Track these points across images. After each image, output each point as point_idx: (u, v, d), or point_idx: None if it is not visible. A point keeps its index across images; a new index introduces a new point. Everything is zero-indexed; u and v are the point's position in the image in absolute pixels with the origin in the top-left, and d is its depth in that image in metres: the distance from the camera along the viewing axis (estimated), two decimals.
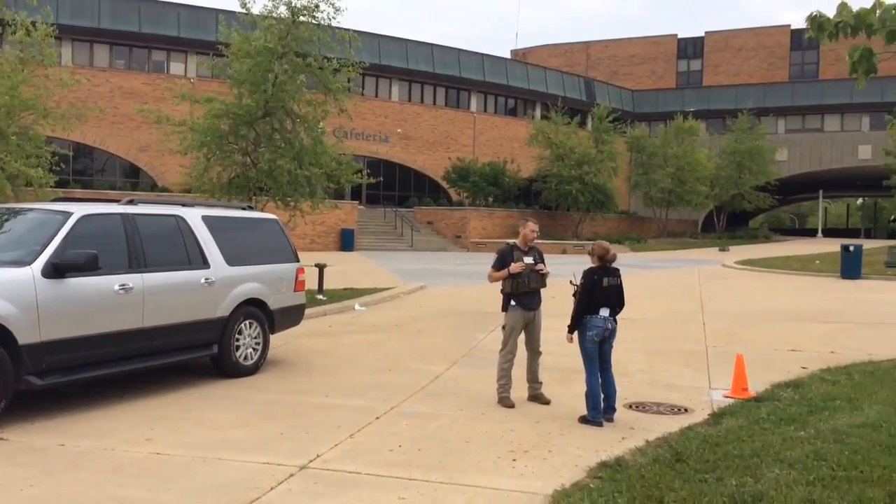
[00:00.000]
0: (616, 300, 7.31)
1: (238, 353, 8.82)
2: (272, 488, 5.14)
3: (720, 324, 13.68)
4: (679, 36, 70.75)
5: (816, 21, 4.12)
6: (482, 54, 52.31)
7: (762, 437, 6.21)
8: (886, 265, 24.80)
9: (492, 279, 7.95)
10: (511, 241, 8.22)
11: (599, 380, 7.22)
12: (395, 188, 45.79)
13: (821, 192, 63.95)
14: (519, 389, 8.01)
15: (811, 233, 72.66)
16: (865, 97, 60.23)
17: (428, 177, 47.44)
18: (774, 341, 11.95)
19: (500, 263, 7.81)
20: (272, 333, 9.52)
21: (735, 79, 66.67)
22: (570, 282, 7.73)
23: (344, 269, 23.50)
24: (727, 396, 8.27)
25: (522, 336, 7.99)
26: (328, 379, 8.89)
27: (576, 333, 7.38)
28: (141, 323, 7.60)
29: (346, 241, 35.56)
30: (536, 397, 7.86)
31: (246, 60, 15.55)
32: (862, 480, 4.85)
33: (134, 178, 37.52)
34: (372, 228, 39.51)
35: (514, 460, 5.92)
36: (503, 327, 8.00)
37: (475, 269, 26.70)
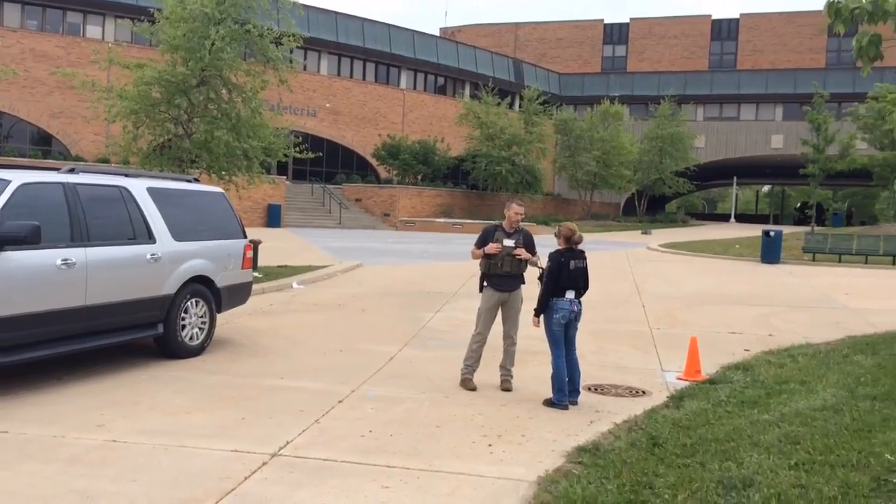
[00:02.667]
0: (582, 282, 7.25)
1: (184, 333, 8.40)
2: (246, 478, 4.87)
3: (658, 306, 13.91)
4: (605, 21, 71.68)
5: (833, 7, 4.08)
6: (413, 31, 51.77)
7: (730, 420, 6.28)
8: (804, 250, 25.80)
9: (473, 257, 7.78)
10: (498, 221, 8.00)
11: (564, 361, 7.16)
12: (322, 164, 44.89)
13: (735, 178, 66.22)
14: (483, 372, 7.88)
15: (724, 218, 75.23)
16: (779, 88, 62.67)
17: (356, 153, 46.79)
18: (713, 323, 12.22)
19: (481, 242, 7.65)
20: (219, 312, 9.12)
21: (658, 65, 68.09)
22: (536, 265, 7.65)
23: (275, 245, 22.90)
24: (681, 379, 8.36)
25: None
26: (280, 360, 8.58)
27: (542, 317, 7.28)
28: (84, 301, 7.12)
29: (272, 218, 34.73)
30: (502, 384, 7.68)
31: (181, 25, 14.82)
32: (842, 465, 4.93)
33: (45, 146, 35.58)
34: (299, 205, 38.72)
35: (489, 445, 5.80)
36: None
37: (408, 247, 26.52)
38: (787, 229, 45.29)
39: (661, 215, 60.45)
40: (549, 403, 7.07)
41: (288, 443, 5.60)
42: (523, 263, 7.55)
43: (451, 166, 45.52)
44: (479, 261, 7.73)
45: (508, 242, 7.49)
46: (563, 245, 7.21)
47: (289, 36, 15.68)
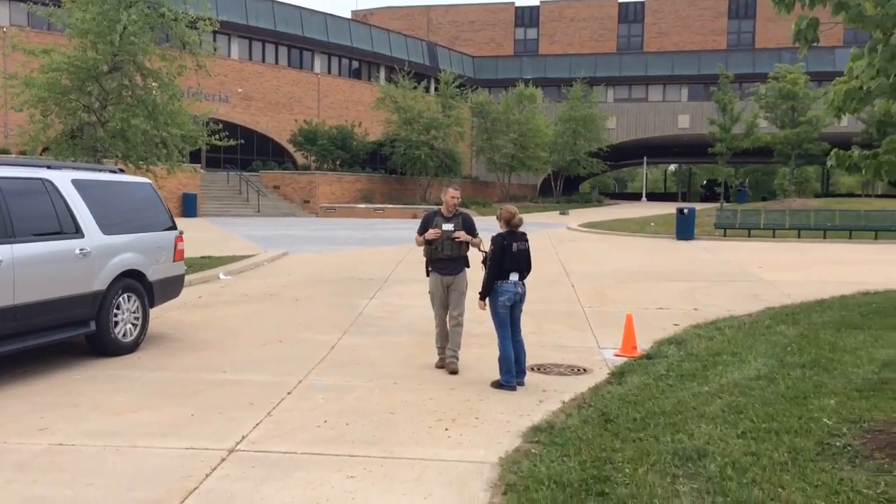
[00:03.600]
0: (525, 264, 7.35)
1: (117, 330, 8.12)
2: (207, 475, 4.77)
3: (587, 285, 14.25)
4: (516, 4, 72.29)
5: None
6: (325, 14, 50.98)
7: (673, 393, 6.51)
8: (715, 226, 26.84)
9: (417, 244, 7.86)
10: (438, 206, 8.05)
11: (510, 342, 7.26)
12: (237, 151, 43.78)
13: (645, 158, 68.16)
14: (428, 355, 7.92)
15: (636, 197, 77.40)
16: (684, 70, 64.73)
17: (272, 139, 45.88)
18: (641, 300, 12.60)
19: (422, 229, 7.74)
20: (152, 307, 8.84)
21: (569, 48, 69.21)
22: (479, 247, 7.72)
23: (195, 235, 22.23)
24: (618, 355, 8.60)
25: None
26: (218, 353, 8.39)
27: (487, 300, 7.36)
28: (12, 300, 6.79)
29: (188, 207, 33.73)
30: (444, 365, 7.75)
31: (90, 8, 14.16)
32: (785, 431, 5.20)
33: None
34: (215, 193, 37.74)
35: (446, 429, 5.85)
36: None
37: (332, 234, 26.26)
38: (696, 206, 47.05)
39: (576, 195, 61.69)
40: (497, 385, 7.17)
41: (244, 437, 5.50)
42: (464, 246, 7.63)
43: (369, 151, 45.20)
44: (422, 248, 7.75)
45: (447, 226, 7.59)
46: (505, 228, 7.29)
47: (204, 20, 15.19)
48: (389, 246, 21.98)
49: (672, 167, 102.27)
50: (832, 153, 5.77)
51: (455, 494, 4.57)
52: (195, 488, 4.56)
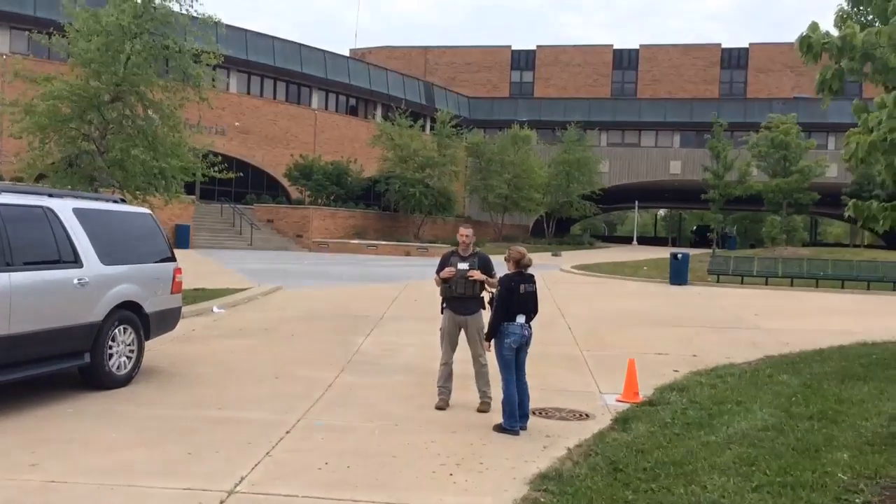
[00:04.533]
0: (532, 306, 7.26)
1: (111, 363, 7.95)
2: None
3: (584, 328, 14.14)
4: (513, 48, 73.28)
5: (806, 41, 4.26)
6: (324, 51, 51.45)
7: (681, 442, 6.38)
8: (709, 272, 26.86)
9: (435, 283, 7.83)
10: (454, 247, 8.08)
11: (515, 387, 7.14)
12: (231, 184, 43.67)
13: (636, 202, 68.59)
14: (424, 396, 7.76)
15: (626, 240, 77.73)
16: (676, 117, 65.50)
17: (267, 173, 45.89)
18: (639, 345, 12.49)
19: (439, 268, 7.72)
20: (147, 340, 8.68)
21: (563, 92, 70.01)
22: (496, 287, 7.64)
23: (187, 268, 21.93)
24: (620, 401, 8.47)
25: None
26: (213, 390, 8.21)
27: (493, 342, 7.25)
28: (7, 329, 6.62)
29: (181, 238, 33.52)
30: (444, 406, 7.68)
31: (94, 39, 14.18)
32: (801, 486, 5.07)
33: None
34: (208, 225, 37.59)
35: (450, 474, 5.69)
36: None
37: (326, 269, 26.12)
38: (689, 252, 47.23)
39: (567, 237, 61.85)
40: (499, 429, 7.03)
41: (243, 478, 5.33)
42: (478, 285, 7.56)
43: (364, 188, 45.29)
44: (438, 288, 7.77)
45: (462, 266, 7.57)
46: (513, 269, 7.21)
47: (208, 53, 15.25)
48: (383, 283, 21.84)
49: (662, 212, 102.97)
50: (850, 204, 5.75)
51: None
52: None
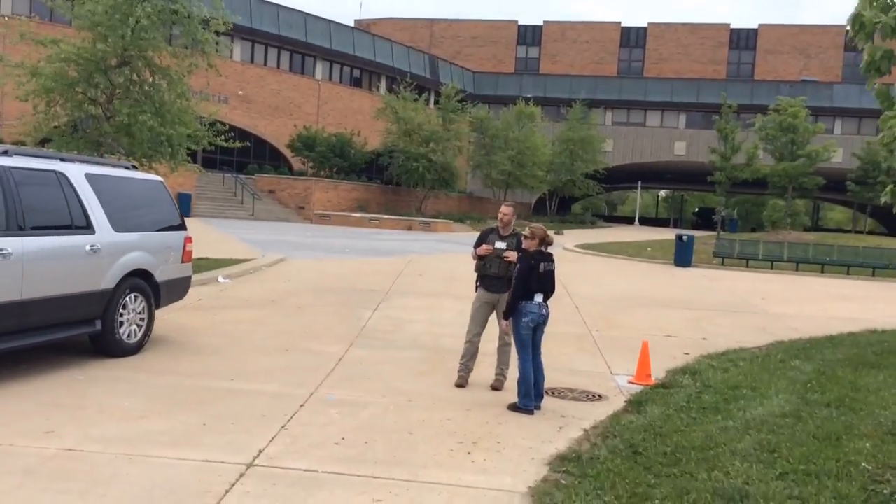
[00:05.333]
0: (550, 286, 7.18)
1: (122, 331, 7.86)
2: (227, 491, 4.53)
3: (591, 308, 14.07)
4: (519, 22, 72.56)
5: (858, 19, 4.12)
6: (329, 21, 50.88)
7: (699, 427, 6.33)
8: (714, 255, 26.77)
9: (472, 258, 7.84)
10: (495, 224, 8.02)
11: (531, 365, 7.08)
12: (233, 153, 43.44)
13: (640, 182, 68.33)
14: (437, 374, 7.70)
15: (628, 220, 77.58)
16: (683, 97, 65.02)
17: (269, 143, 45.58)
18: (648, 326, 12.42)
19: (477, 244, 7.71)
20: (157, 308, 8.59)
21: (570, 69, 69.45)
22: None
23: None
24: (632, 382, 8.43)
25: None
26: (223, 360, 8.14)
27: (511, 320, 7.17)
28: (20, 294, 6.53)
29: (183, 207, 33.23)
30: (464, 384, 7.65)
31: (102, 0, 13.92)
32: (825, 475, 5.02)
33: None
34: (210, 194, 37.38)
35: (468, 453, 5.63)
36: None
37: (329, 242, 26.02)
38: (691, 234, 47.16)
39: (570, 216, 61.69)
40: (514, 408, 6.97)
41: (261, 451, 5.27)
42: (512, 266, 7.46)
43: (367, 160, 45.00)
44: (475, 262, 7.76)
45: (500, 245, 7.55)
46: (536, 247, 7.11)
47: (216, 20, 15.01)
48: (387, 257, 21.75)
49: (663, 193, 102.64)
50: (887, 189, 5.63)
51: None
52: None
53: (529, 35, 72.31)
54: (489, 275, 7.59)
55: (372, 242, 26.83)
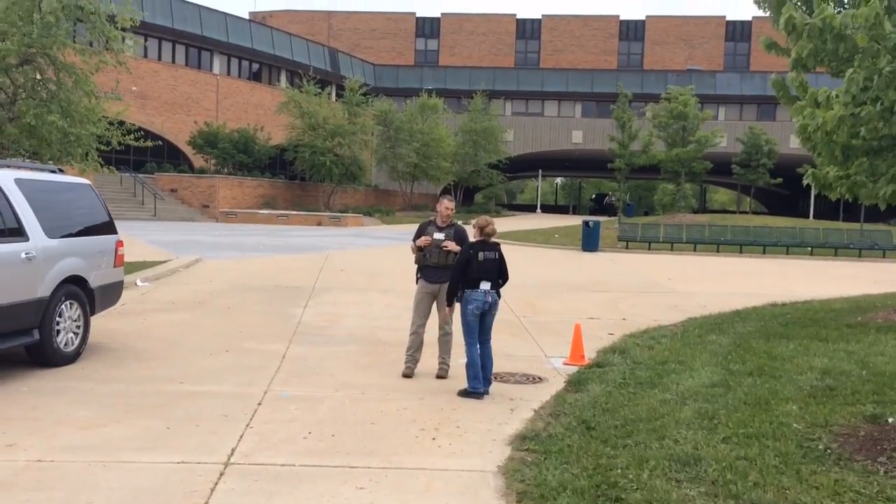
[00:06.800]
0: (495, 273, 7.47)
1: (59, 339, 7.68)
2: (212, 490, 4.61)
3: (512, 294, 14.39)
4: (417, 15, 72.79)
5: (790, 21, 4.55)
6: (225, 14, 49.66)
7: (640, 401, 6.76)
8: (619, 239, 27.89)
9: (411, 250, 8.03)
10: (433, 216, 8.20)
11: (478, 350, 7.37)
12: (130, 152, 41.83)
13: (540, 171, 69.95)
14: (377, 368, 7.90)
15: (529, 208, 79.18)
16: (578, 87, 66.95)
17: (167, 141, 44.17)
18: (570, 309, 12.96)
19: (416, 236, 7.92)
20: (92, 315, 8.41)
21: (468, 61, 70.23)
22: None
23: None
24: (567, 364, 8.85)
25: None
26: (167, 364, 8.07)
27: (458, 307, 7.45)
28: None
29: None
30: (438, 372, 7.89)
31: None
32: (763, 436, 5.51)
33: None
34: (108, 195, 35.71)
35: (433, 439, 5.87)
36: None
37: (240, 240, 25.59)
38: (597, 219, 48.68)
39: (475, 206, 62.47)
40: (464, 393, 7.25)
41: (234, 450, 5.35)
42: (451, 256, 7.72)
43: (272, 156, 44.27)
44: (414, 255, 7.94)
45: (438, 236, 7.77)
46: (478, 237, 7.42)
47: (124, 16, 14.58)
48: (304, 254, 21.64)
49: (560, 180, 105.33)
50: (809, 173, 6.19)
51: (470, 503, 4.60)
52: None
53: (428, 27, 72.67)
54: (429, 265, 7.84)
55: (284, 239, 26.56)
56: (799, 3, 4.75)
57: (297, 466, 5.08)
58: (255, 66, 52.33)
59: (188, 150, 43.27)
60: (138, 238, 24.29)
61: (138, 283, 14.19)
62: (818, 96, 5.64)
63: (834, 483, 4.55)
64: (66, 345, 7.78)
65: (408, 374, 7.85)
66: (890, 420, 5.73)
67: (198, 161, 43.21)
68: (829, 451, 5.15)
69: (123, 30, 14.97)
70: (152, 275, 15.18)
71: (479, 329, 7.44)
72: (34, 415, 6.03)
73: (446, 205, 7.92)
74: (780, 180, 47.66)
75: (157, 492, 4.54)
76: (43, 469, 4.83)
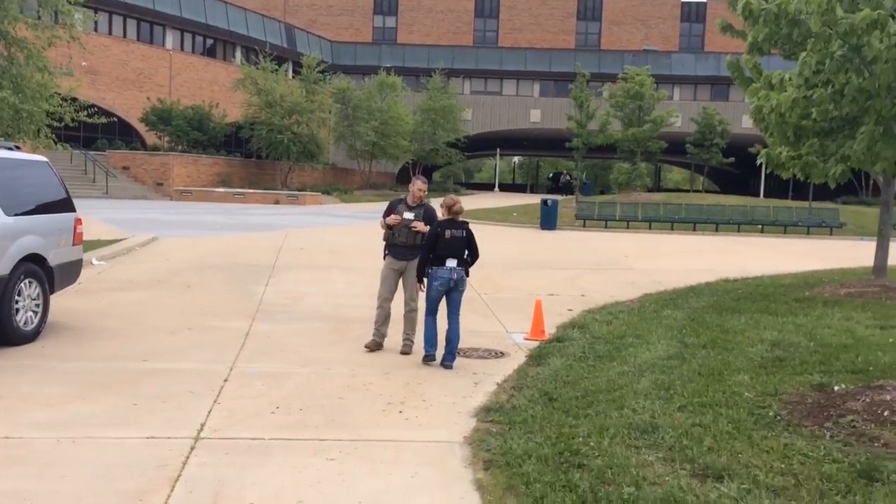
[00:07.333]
0: (462, 251, 7.59)
1: (18, 318, 7.60)
2: (184, 463, 4.67)
3: (476, 272, 14.30)
4: None
5: (748, 7, 4.71)
6: None
7: (600, 373, 6.98)
8: (576, 217, 28.25)
9: (380, 227, 8.13)
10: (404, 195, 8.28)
11: (436, 322, 7.55)
12: (80, 129, 40.88)
13: (498, 150, 70.22)
14: (344, 343, 7.99)
15: (487, 187, 79.53)
16: (536, 66, 67.22)
17: (119, 117, 43.21)
18: (530, 286, 13.17)
19: (386, 213, 8.00)
20: (52, 293, 8.32)
21: (427, 38, 69.86)
22: None
23: None
24: (528, 339, 9.05)
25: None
26: (129, 342, 8.04)
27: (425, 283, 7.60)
28: None
29: None
30: (402, 348, 7.99)
31: None
32: (717, 405, 5.75)
33: None
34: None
35: (400, 412, 5.99)
36: None
37: (196, 219, 25.31)
38: (555, 198, 49.13)
39: (433, 185, 62.47)
40: (425, 360, 7.47)
41: (203, 425, 5.40)
42: (420, 236, 7.81)
43: (227, 134, 43.66)
44: (384, 231, 8.05)
45: (408, 215, 7.88)
46: (446, 215, 7.55)
47: None
48: (263, 232, 21.52)
49: (517, 159, 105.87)
50: (763, 153, 6.41)
51: (439, 472, 4.75)
52: (178, 476, 4.46)
53: (386, 4, 71.95)
54: (397, 243, 7.95)
55: (242, 218, 26.34)
56: None
57: (267, 440, 5.17)
58: (210, 42, 51.42)
59: (141, 128, 42.44)
60: (91, 216, 23.80)
61: (94, 261, 14.00)
62: (772, 79, 5.85)
63: (783, 447, 4.80)
64: (25, 323, 7.70)
65: (376, 348, 7.95)
66: (836, 388, 6.02)
67: (150, 138, 42.42)
68: (778, 417, 5.40)
69: (74, 3, 14.61)
70: (108, 253, 14.98)
71: (448, 305, 7.59)
72: None
73: (419, 186, 8.03)
74: (732, 160, 48.64)
75: (129, 466, 4.58)
76: (12, 445, 4.84)
